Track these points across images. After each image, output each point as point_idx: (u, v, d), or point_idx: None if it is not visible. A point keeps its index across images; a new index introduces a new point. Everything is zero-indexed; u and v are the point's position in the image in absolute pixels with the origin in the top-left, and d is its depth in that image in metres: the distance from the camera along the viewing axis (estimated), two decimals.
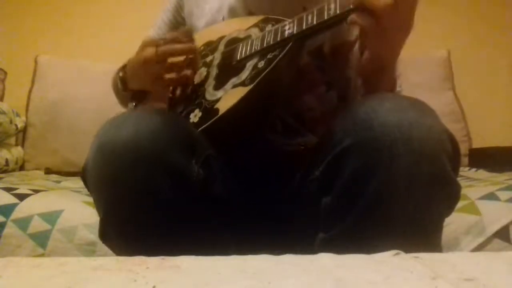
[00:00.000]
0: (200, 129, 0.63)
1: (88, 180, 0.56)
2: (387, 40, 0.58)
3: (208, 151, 0.60)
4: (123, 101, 0.88)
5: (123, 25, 1.77)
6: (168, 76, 0.71)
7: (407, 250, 0.40)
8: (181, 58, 0.70)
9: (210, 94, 0.69)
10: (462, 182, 0.94)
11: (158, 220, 0.53)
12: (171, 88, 0.74)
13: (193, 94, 0.72)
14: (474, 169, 1.37)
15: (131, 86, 0.79)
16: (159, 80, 0.72)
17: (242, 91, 0.64)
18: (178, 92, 0.74)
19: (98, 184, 0.54)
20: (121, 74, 0.80)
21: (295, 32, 0.64)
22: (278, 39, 0.65)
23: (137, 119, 0.53)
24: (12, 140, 1.56)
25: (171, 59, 0.70)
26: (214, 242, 0.57)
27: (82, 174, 0.58)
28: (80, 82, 1.58)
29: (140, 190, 0.52)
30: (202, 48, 0.79)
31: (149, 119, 0.53)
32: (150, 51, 0.71)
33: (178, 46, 0.71)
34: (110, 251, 0.62)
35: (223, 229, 0.61)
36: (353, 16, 0.56)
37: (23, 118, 1.55)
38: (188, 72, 0.71)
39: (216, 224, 0.59)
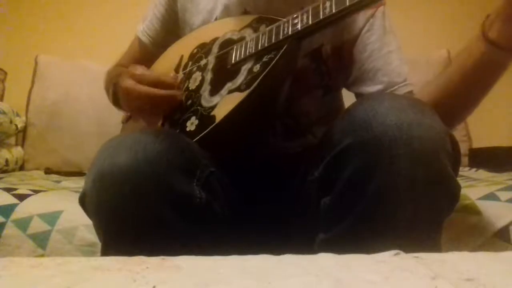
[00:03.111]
0: (197, 138, 0.62)
1: (88, 207, 0.54)
2: None
3: (209, 169, 0.59)
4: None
5: (123, 25, 1.77)
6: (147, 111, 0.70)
7: (407, 250, 0.40)
8: (160, 101, 0.69)
9: (206, 100, 0.67)
10: (462, 182, 0.94)
11: (161, 246, 0.51)
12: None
13: (188, 101, 0.69)
14: (474, 169, 1.37)
15: (121, 105, 0.77)
16: (138, 112, 0.71)
17: (238, 97, 0.62)
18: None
19: (98, 212, 0.53)
20: (113, 88, 0.78)
21: (290, 33, 0.62)
22: (273, 40, 0.63)
23: (134, 144, 0.52)
24: (12, 140, 1.56)
25: (153, 103, 0.68)
26: (214, 245, 0.57)
27: (81, 200, 0.56)
28: (80, 82, 1.58)
29: (142, 219, 0.51)
30: (195, 50, 0.77)
31: (146, 144, 0.52)
32: (130, 84, 0.69)
33: (157, 92, 0.69)
34: None
35: (223, 231, 0.60)
36: None
37: (23, 118, 1.55)
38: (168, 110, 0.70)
39: (217, 232, 0.59)
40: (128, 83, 0.69)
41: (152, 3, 0.90)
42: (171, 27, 0.87)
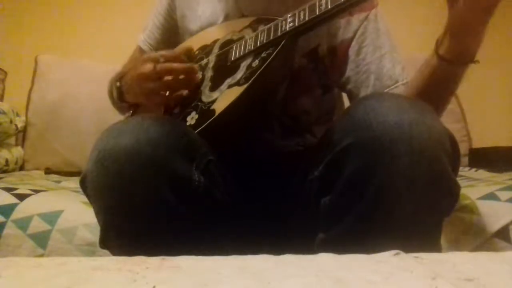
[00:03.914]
0: (197, 130, 0.63)
1: (88, 190, 0.55)
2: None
3: (208, 157, 0.60)
4: (120, 110, 0.87)
5: (123, 25, 1.77)
6: (163, 93, 0.70)
7: (407, 250, 0.40)
8: (179, 77, 0.70)
9: (206, 96, 0.69)
10: (462, 182, 0.94)
11: (160, 228, 0.53)
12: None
13: (189, 97, 0.71)
14: (474, 169, 1.37)
15: (127, 98, 0.78)
16: (154, 96, 0.71)
17: (237, 91, 0.64)
18: (172, 105, 0.73)
19: (98, 194, 0.53)
20: (118, 84, 0.79)
21: (287, 29, 0.64)
22: (271, 37, 0.65)
23: (136, 127, 0.53)
24: (12, 140, 1.55)
25: (167, 78, 0.69)
26: (214, 244, 0.57)
27: (82, 183, 0.57)
28: (80, 82, 1.58)
29: (142, 199, 0.51)
30: (197, 52, 0.79)
31: (148, 127, 0.53)
32: (148, 67, 0.70)
33: (178, 65, 0.70)
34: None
35: (223, 230, 0.60)
36: None
37: (23, 118, 1.54)
38: (184, 92, 0.71)
39: (217, 227, 0.59)
40: (147, 66, 0.70)
41: (152, 12, 0.91)
42: (171, 35, 0.89)
